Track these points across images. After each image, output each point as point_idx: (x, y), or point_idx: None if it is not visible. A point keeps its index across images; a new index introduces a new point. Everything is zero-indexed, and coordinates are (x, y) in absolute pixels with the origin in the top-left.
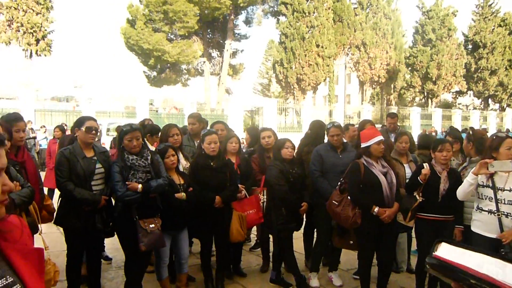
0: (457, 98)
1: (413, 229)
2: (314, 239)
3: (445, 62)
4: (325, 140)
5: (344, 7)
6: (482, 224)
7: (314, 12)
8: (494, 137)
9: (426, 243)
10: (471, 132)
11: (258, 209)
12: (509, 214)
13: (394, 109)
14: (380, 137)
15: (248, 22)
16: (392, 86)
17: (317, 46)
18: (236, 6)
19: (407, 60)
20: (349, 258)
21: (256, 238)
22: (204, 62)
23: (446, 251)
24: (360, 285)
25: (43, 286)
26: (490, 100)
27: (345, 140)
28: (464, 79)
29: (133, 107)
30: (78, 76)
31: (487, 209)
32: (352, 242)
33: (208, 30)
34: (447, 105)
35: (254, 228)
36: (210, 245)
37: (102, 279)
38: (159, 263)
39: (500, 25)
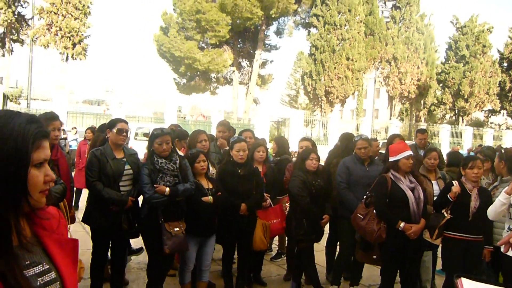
0: (490, 117)
1: (439, 248)
2: (337, 253)
3: (479, 79)
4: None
5: (376, 21)
6: None
7: (345, 25)
8: None
9: (453, 263)
10: (503, 150)
11: (282, 218)
12: None
13: (423, 125)
14: (410, 152)
15: (279, 33)
16: (422, 102)
17: (347, 59)
18: (267, 16)
19: (439, 76)
20: (371, 274)
21: (277, 248)
22: (234, 71)
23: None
24: None
25: (76, 275)
26: None
27: None
28: (497, 97)
29: (162, 112)
30: (109, 81)
31: None
32: (375, 257)
33: (239, 40)
34: (478, 124)
35: (276, 238)
36: (233, 252)
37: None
38: (183, 268)
39: None
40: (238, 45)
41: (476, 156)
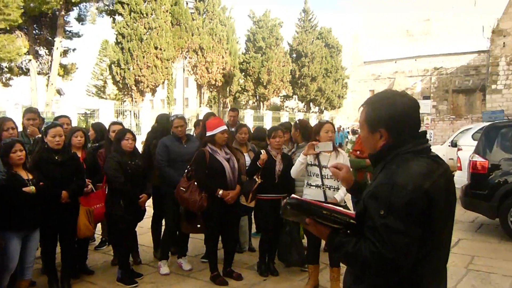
0: (285, 101)
1: (253, 213)
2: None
3: (274, 68)
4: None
5: (181, 11)
6: (311, 197)
7: (152, 14)
8: (317, 123)
9: (266, 220)
10: (297, 121)
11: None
12: (331, 187)
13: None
14: (224, 127)
15: (80, 19)
16: (228, 90)
17: (156, 48)
18: (67, 1)
19: (241, 66)
20: (196, 246)
21: (101, 236)
22: (30, 60)
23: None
24: (208, 267)
25: None
26: (311, 104)
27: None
28: (290, 84)
29: None
30: None
31: (314, 184)
32: (199, 226)
33: (35, 26)
34: (276, 108)
35: (99, 227)
36: (55, 244)
37: None
38: (3, 270)
39: (318, 38)
40: (34, 31)
41: (277, 127)
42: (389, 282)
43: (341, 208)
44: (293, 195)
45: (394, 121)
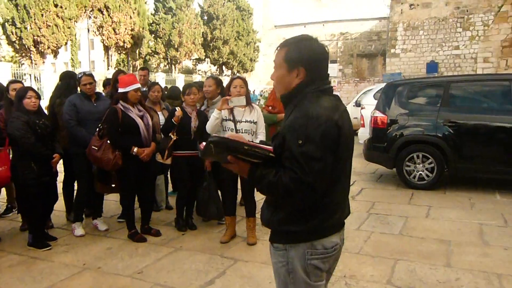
0: (197, 65)
1: (169, 171)
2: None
3: (185, 30)
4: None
5: None
6: None
7: None
8: (230, 79)
9: (181, 176)
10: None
11: (8, 166)
12: None
13: None
14: (138, 85)
15: None
16: (137, 52)
17: (56, 6)
18: None
19: (151, 27)
20: (111, 208)
21: (6, 203)
22: None
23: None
24: (125, 227)
25: None
26: (224, 67)
27: None
28: (202, 47)
29: None
30: None
31: None
32: (114, 185)
33: None
34: (188, 71)
35: (4, 194)
36: None
37: None
38: None
39: (229, 0)
40: None
41: (192, 84)
42: (305, 206)
43: (259, 144)
44: (214, 134)
45: (312, 60)
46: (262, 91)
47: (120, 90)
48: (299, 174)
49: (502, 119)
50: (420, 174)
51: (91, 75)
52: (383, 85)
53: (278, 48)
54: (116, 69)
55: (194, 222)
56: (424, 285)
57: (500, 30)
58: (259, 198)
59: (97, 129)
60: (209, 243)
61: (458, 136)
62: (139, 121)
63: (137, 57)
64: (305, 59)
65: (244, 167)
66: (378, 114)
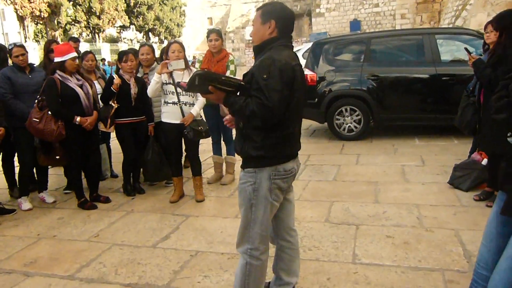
0: (122, 32)
1: (110, 140)
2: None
3: None
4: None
5: None
6: (169, 114)
7: None
8: (167, 44)
9: (127, 143)
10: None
11: None
12: (187, 103)
13: None
14: (75, 53)
15: None
16: (56, 21)
17: None
18: None
19: None
20: (54, 180)
21: None
22: None
23: None
24: (73, 197)
25: None
26: (150, 34)
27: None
28: (126, 14)
29: None
30: None
31: (171, 102)
32: (58, 157)
33: None
34: (113, 40)
35: None
36: None
37: None
38: None
39: None
40: None
41: (128, 51)
42: (265, 127)
43: (233, 76)
44: (199, 70)
45: (281, 17)
46: (192, 57)
47: (57, 59)
48: (263, 100)
49: (417, 71)
50: (349, 126)
51: (22, 46)
52: (310, 44)
53: (257, 10)
54: (35, 44)
55: (141, 186)
56: (357, 219)
57: None
58: (203, 158)
59: (36, 100)
60: (159, 204)
61: (380, 88)
62: (78, 90)
63: (56, 26)
64: (275, 14)
65: (220, 95)
66: (308, 72)
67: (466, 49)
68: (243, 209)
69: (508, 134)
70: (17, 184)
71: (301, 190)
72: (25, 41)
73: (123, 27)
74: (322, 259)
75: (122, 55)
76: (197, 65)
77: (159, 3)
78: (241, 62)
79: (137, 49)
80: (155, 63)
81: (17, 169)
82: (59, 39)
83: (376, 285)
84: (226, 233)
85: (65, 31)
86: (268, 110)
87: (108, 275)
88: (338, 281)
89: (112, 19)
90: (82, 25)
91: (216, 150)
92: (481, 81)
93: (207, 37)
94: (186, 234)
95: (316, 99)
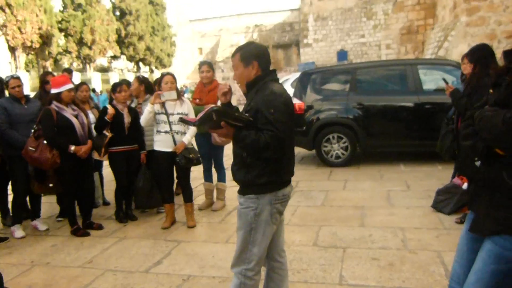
0: (112, 62)
1: (102, 168)
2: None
3: (98, 27)
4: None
5: None
6: (162, 142)
7: None
8: (160, 76)
9: (119, 170)
10: (141, 76)
11: None
12: (179, 132)
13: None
14: (71, 85)
15: None
16: (47, 51)
17: None
18: None
19: (60, 25)
20: (47, 209)
21: None
22: None
23: None
24: (66, 225)
25: None
26: (141, 64)
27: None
28: (117, 44)
29: None
30: None
31: (163, 131)
32: (52, 185)
33: None
34: (104, 69)
35: None
36: None
37: None
38: None
39: None
40: None
41: (121, 82)
42: (276, 157)
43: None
44: (212, 105)
45: (261, 56)
46: (183, 85)
47: (53, 91)
48: (275, 132)
49: (401, 99)
50: (337, 153)
51: (18, 78)
52: (298, 74)
53: (233, 54)
54: (27, 74)
55: (134, 213)
56: (344, 243)
57: (398, 19)
58: (195, 185)
59: (32, 130)
60: (152, 230)
61: (366, 116)
62: (74, 120)
63: (47, 57)
64: (255, 55)
65: (230, 130)
66: (296, 101)
67: (444, 79)
68: (242, 232)
69: (476, 159)
70: (10, 212)
71: (290, 215)
72: (16, 71)
73: (114, 57)
74: (310, 281)
75: (116, 86)
76: (188, 95)
77: (150, 34)
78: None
79: (128, 80)
80: (148, 94)
81: (10, 197)
82: (49, 69)
83: None
84: (217, 257)
85: (56, 61)
86: (280, 141)
87: None
88: None
89: (103, 49)
90: (73, 55)
91: (207, 177)
92: (458, 110)
93: (199, 68)
94: (178, 259)
95: (304, 127)
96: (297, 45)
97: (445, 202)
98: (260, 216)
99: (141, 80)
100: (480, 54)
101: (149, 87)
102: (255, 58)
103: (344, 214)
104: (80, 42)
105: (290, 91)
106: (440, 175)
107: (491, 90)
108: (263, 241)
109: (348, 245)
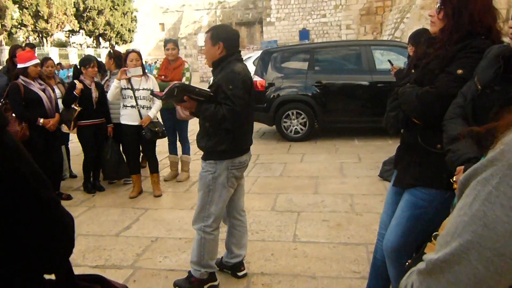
0: (71, 37)
1: (69, 142)
2: None
3: (55, 0)
4: None
5: None
6: (128, 116)
7: None
8: (125, 52)
9: (88, 143)
10: (111, 51)
11: None
12: (144, 106)
13: (6, 49)
14: (37, 60)
15: None
16: (0, 25)
17: None
18: None
19: None
20: None
21: None
22: None
23: None
24: None
25: None
26: (101, 39)
27: None
28: (75, 18)
29: None
30: None
31: (130, 105)
32: None
33: None
34: (62, 44)
35: None
36: None
37: None
38: None
39: None
40: None
41: (92, 57)
42: (232, 129)
43: (203, 87)
44: (176, 82)
45: (228, 39)
46: (146, 62)
47: (20, 65)
48: (232, 106)
49: (356, 78)
50: (296, 128)
51: None
52: (260, 52)
53: (207, 31)
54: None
55: (101, 184)
56: (298, 207)
57: (358, 0)
58: (160, 159)
59: (0, 104)
60: (120, 200)
61: (323, 94)
62: (41, 94)
63: (1, 30)
64: (222, 36)
65: (193, 104)
66: (257, 78)
67: (389, 61)
68: (201, 193)
69: (402, 131)
70: None
71: (250, 184)
72: None
73: (72, 32)
74: (267, 239)
75: (86, 62)
76: (154, 72)
77: (110, 8)
78: (194, 68)
79: (109, 51)
80: (117, 69)
81: None
82: (3, 43)
83: (312, 257)
84: (183, 221)
85: (10, 35)
86: (236, 114)
87: (76, 260)
88: (280, 255)
89: (60, 23)
90: (29, 29)
91: (172, 150)
92: None
93: (164, 46)
94: (146, 224)
95: (265, 104)
96: (260, 23)
97: (390, 171)
98: (217, 179)
99: (111, 55)
100: (420, 38)
101: (119, 62)
102: (222, 40)
103: (300, 183)
104: (36, 15)
105: (252, 69)
106: (389, 149)
107: (412, 70)
108: (219, 201)
109: (302, 209)
